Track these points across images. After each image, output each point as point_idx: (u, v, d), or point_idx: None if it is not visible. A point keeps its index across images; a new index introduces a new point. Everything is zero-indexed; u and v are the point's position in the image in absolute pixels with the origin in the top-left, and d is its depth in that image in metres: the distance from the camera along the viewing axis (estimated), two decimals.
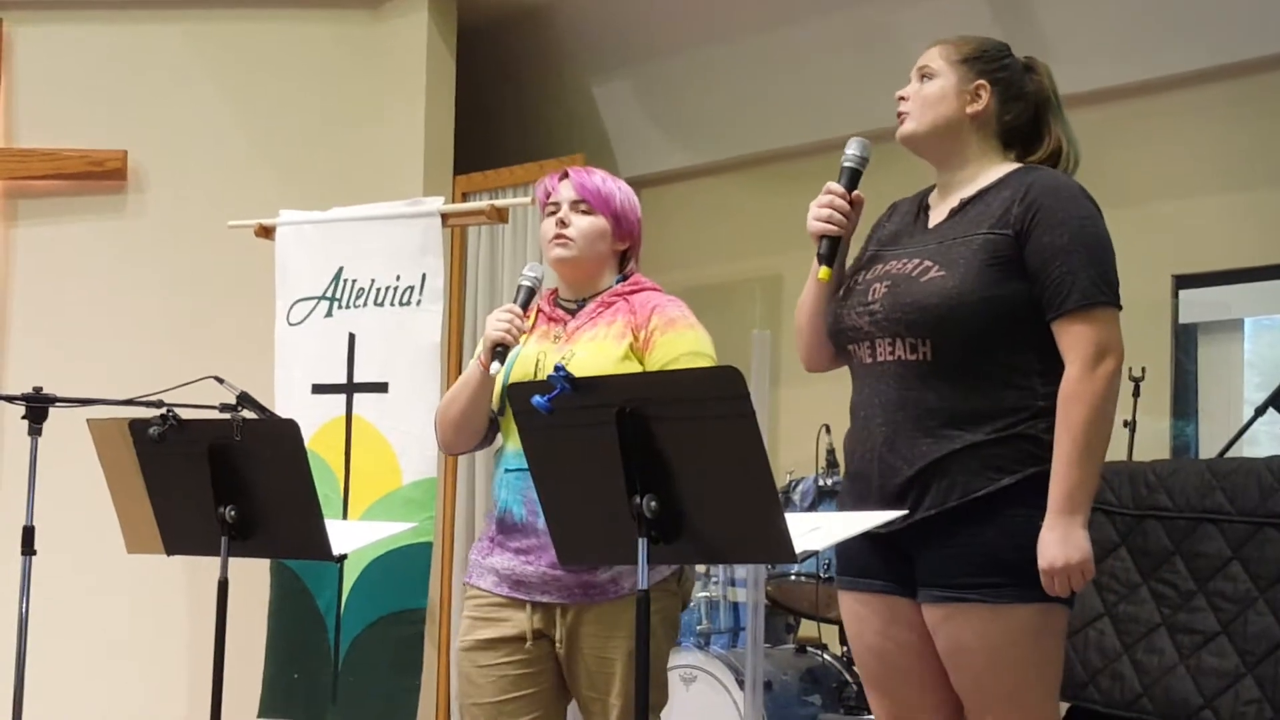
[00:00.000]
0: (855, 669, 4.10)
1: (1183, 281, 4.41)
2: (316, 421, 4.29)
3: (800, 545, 2.10)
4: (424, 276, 4.31)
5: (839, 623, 4.07)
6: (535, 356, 2.77)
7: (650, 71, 5.61)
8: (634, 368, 2.69)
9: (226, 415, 3.17)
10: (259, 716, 4.28)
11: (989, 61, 2.54)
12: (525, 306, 2.77)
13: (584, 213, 2.83)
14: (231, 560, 2.91)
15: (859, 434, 2.51)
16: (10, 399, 3.80)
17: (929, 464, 2.38)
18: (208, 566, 2.92)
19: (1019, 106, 2.55)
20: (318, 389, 4.38)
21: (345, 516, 4.21)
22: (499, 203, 4.56)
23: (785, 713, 4.04)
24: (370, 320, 4.35)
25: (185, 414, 2.97)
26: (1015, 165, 2.53)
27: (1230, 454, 3.82)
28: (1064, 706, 3.45)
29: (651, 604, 2.18)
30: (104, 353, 5.14)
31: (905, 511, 2.36)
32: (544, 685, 2.77)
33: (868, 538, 2.42)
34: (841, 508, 2.58)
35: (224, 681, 2.94)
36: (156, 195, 5.35)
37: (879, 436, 2.44)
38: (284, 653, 4.33)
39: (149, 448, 2.94)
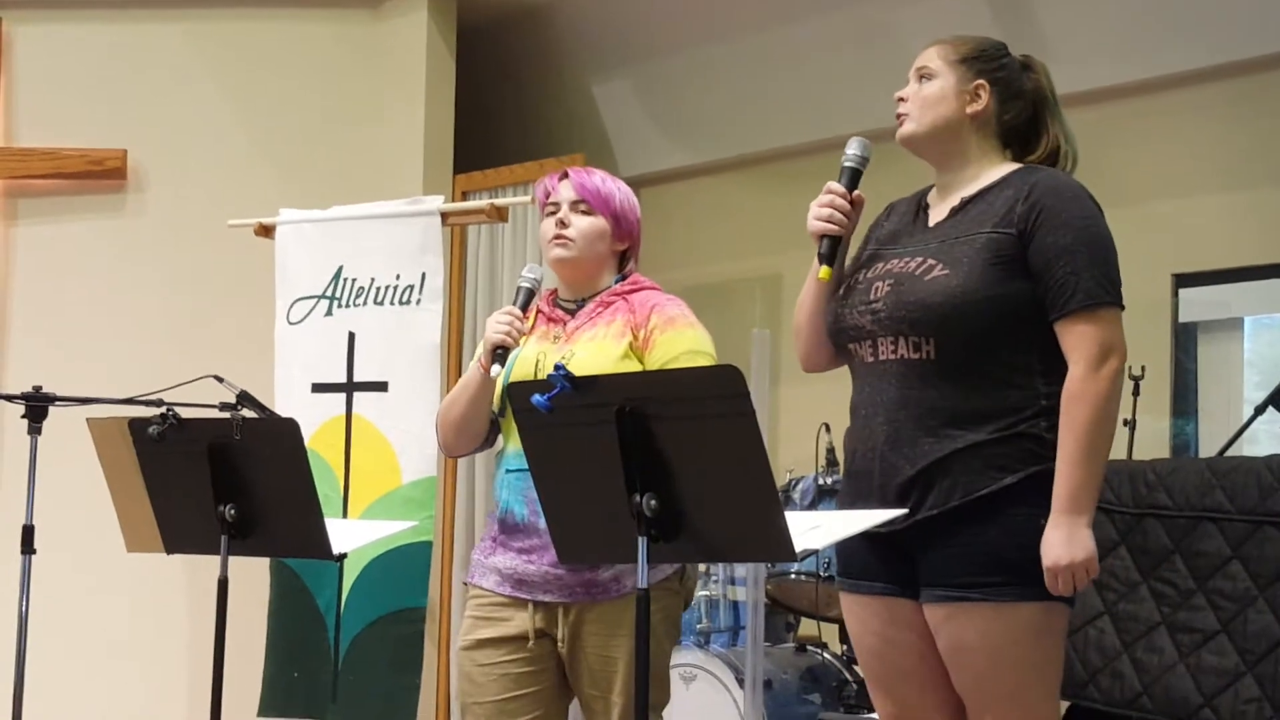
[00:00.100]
0: (855, 668, 4.11)
1: (1182, 280, 4.41)
2: (316, 420, 4.30)
3: (800, 544, 2.10)
4: (424, 275, 4.31)
5: (839, 621, 4.07)
6: (535, 357, 2.77)
7: (650, 71, 5.61)
8: (634, 367, 2.69)
9: (226, 414, 3.16)
10: (259, 715, 4.29)
11: (988, 61, 2.54)
12: (525, 308, 2.77)
13: (584, 213, 2.83)
14: (231, 559, 2.91)
15: (860, 433, 2.51)
16: (10, 398, 3.80)
17: (931, 463, 2.38)
18: (207, 565, 2.92)
19: (1018, 105, 2.55)
20: (317, 388, 4.38)
21: (345, 515, 4.21)
22: (499, 202, 4.56)
23: (785, 711, 4.04)
24: (370, 319, 4.36)
25: (185, 413, 2.97)
26: (1016, 165, 2.53)
27: (1230, 453, 3.83)
28: (1064, 705, 3.45)
29: (653, 603, 2.18)
30: (104, 352, 5.14)
31: (905, 511, 2.36)
32: (546, 684, 2.77)
33: (868, 539, 2.42)
34: (841, 506, 2.58)
35: (224, 680, 2.94)
36: (156, 194, 5.35)
37: (881, 435, 2.44)
38: (284, 651, 4.33)
39: (149, 447, 2.94)
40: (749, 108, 5.37)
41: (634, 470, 2.10)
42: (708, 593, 4.39)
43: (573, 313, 2.83)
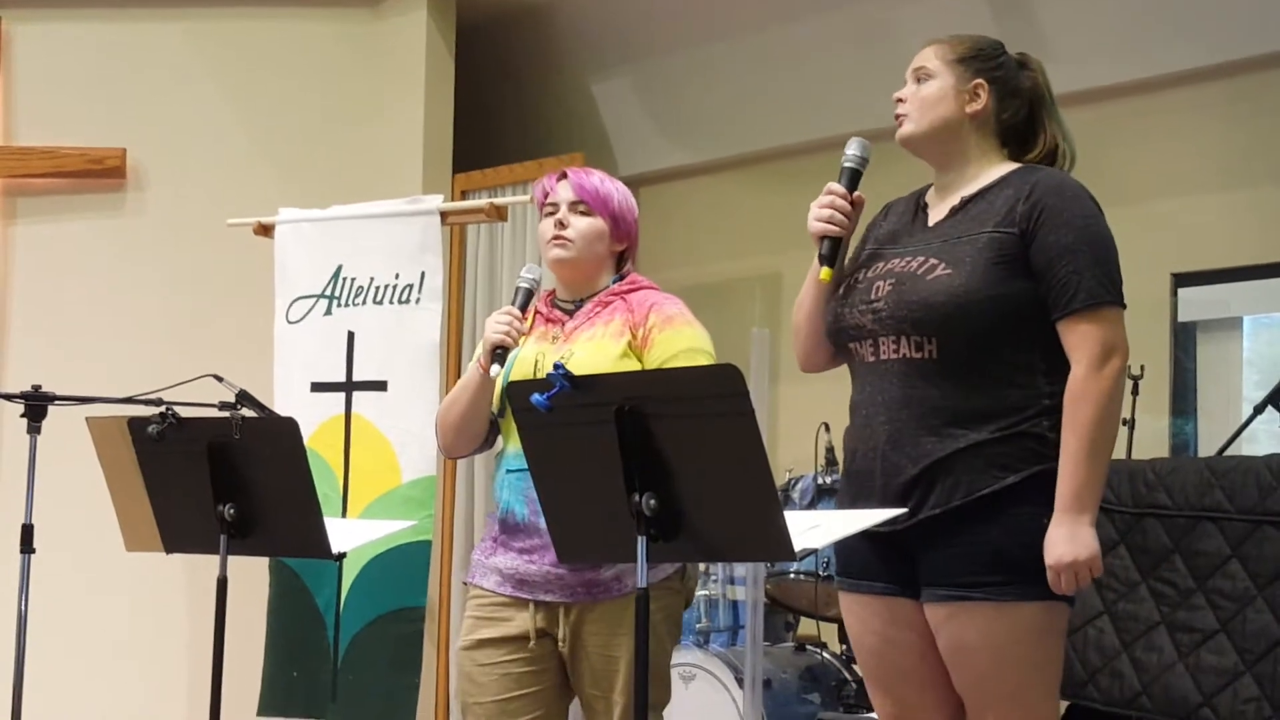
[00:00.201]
0: (855, 667, 4.11)
1: (1182, 280, 4.41)
2: (316, 420, 4.29)
3: (799, 543, 2.10)
4: (423, 274, 4.31)
5: (838, 621, 4.07)
6: (534, 357, 2.77)
7: (649, 69, 5.61)
8: (632, 366, 2.69)
9: (225, 413, 3.16)
10: (258, 715, 4.29)
11: (985, 60, 2.53)
12: (523, 308, 2.77)
13: (582, 214, 2.83)
14: (231, 558, 2.91)
15: (860, 432, 2.51)
16: (9, 397, 3.80)
17: (934, 462, 2.38)
18: (207, 565, 2.92)
19: (1016, 104, 2.55)
20: (317, 387, 4.38)
21: (344, 515, 4.21)
22: (498, 201, 4.56)
23: (784, 711, 4.04)
24: (369, 318, 4.36)
25: (184, 412, 2.97)
26: (1015, 164, 2.53)
27: (1229, 452, 3.82)
28: (1063, 705, 3.45)
29: (654, 602, 2.19)
30: (103, 351, 5.14)
31: (905, 510, 2.36)
32: (547, 684, 2.77)
33: (868, 538, 2.42)
34: (841, 505, 2.58)
35: (223, 679, 2.94)
36: (156, 193, 5.35)
37: (882, 435, 2.44)
38: (283, 651, 4.33)
39: (148, 446, 2.94)
40: (748, 107, 5.37)
41: (633, 469, 2.09)
42: (707, 592, 4.39)
43: (571, 313, 2.83)
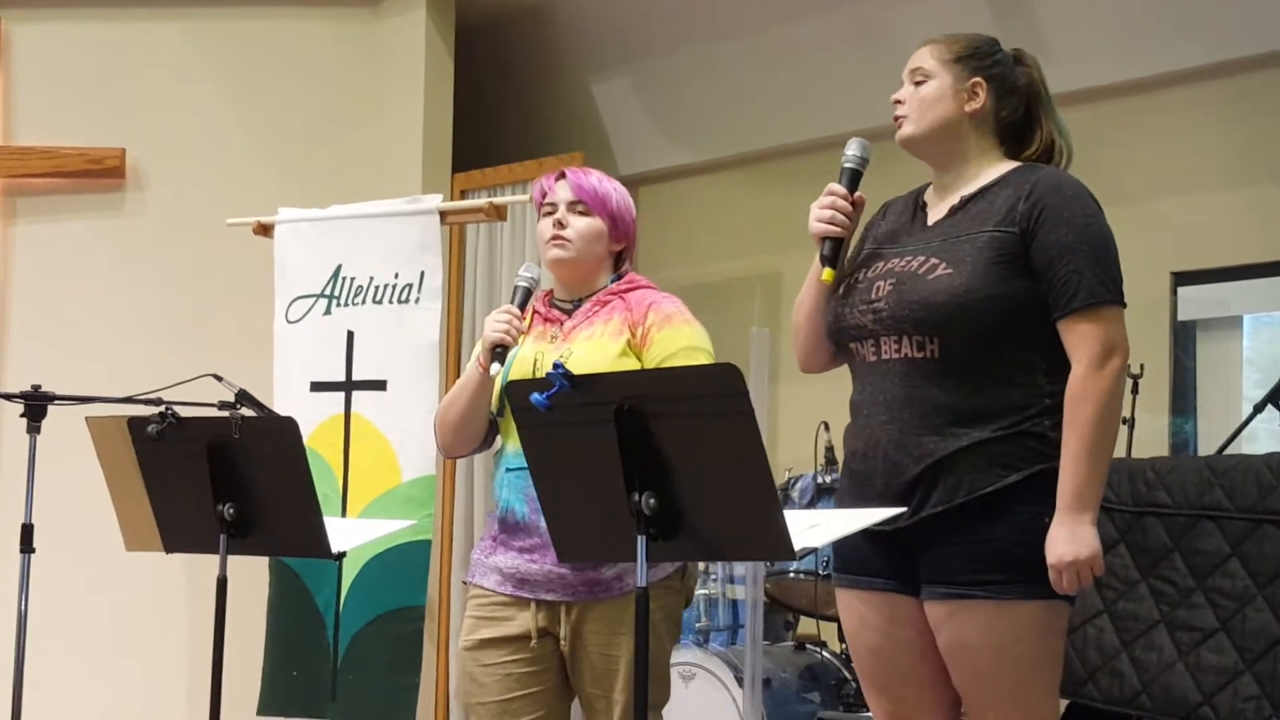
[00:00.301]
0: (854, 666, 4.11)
1: (1181, 278, 4.41)
2: (315, 419, 4.29)
3: (799, 542, 2.10)
4: (422, 274, 4.31)
5: (838, 620, 4.07)
6: (532, 357, 2.77)
7: (649, 69, 5.61)
8: (631, 365, 2.69)
9: (225, 413, 3.16)
10: (258, 714, 4.29)
11: (982, 58, 2.53)
12: (522, 307, 2.77)
13: (581, 214, 2.83)
14: (230, 558, 2.91)
15: (861, 431, 2.50)
16: (9, 397, 3.80)
17: (936, 461, 2.38)
18: (207, 564, 2.92)
19: (1013, 101, 2.55)
20: (316, 386, 4.38)
21: (344, 514, 4.21)
22: (498, 200, 4.56)
23: (784, 710, 4.04)
24: (369, 318, 4.36)
25: (184, 412, 2.97)
26: (1015, 163, 2.52)
27: (1229, 451, 3.83)
28: (1063, 703, 3.45)
29: (655, 601, 2.18)
30: (103, 351, 5.14)
31: (905, 509, 2.36)
32: (548, 684, 2.77)
33: (869, 536, 2.42)
34: (841, 504, 2.58)
35: (223, 679, 2.94)
36: (155, 193, 5.35)
37: (884, 434, 2.44)
38: (283, 650, 4.33)
39: (148, 446, 2.94)
40: (748, 106, 5.37)
41: (633, 469, 2.09)
42: (706, 591, 4.39)
43: (569, 312, 2.83)
